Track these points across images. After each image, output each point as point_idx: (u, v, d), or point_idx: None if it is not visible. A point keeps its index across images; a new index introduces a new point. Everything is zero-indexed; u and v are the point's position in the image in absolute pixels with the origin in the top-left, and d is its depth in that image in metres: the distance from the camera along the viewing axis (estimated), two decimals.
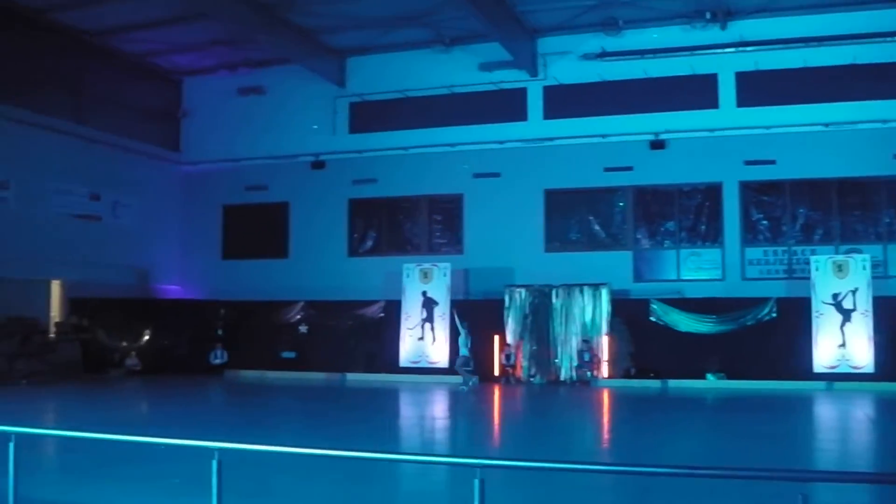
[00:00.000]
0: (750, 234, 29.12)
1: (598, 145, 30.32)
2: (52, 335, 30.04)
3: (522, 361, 29.04)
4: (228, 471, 7.52)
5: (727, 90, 29.34)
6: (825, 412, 22.23)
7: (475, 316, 29.22)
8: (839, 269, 26.68)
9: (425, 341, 29.80)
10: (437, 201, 32.55)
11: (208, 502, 7.45)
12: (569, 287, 28.80)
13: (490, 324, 28.95)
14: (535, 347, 29.01)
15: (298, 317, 31.67)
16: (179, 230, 35.47)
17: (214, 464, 7.46)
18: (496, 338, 29.09)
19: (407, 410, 23.05)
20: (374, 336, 30.73)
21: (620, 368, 28.32)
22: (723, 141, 29.15)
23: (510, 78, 31.19)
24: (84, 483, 11.08)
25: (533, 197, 30.96)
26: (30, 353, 27.82)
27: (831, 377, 26.06)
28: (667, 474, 7.05)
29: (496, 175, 31.40)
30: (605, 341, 28.29)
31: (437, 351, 29.65)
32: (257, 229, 34.55)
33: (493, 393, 26.24)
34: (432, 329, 29.82)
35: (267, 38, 30.26)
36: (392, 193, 32.72)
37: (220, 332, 32.12)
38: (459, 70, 31.52)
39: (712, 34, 28.99)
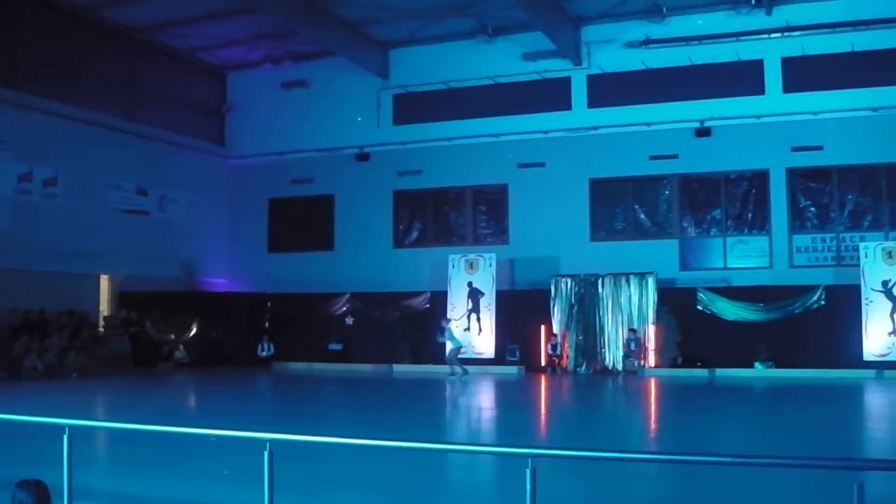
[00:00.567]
0: (797, 222, 28.86)
1: (643, 133, 30.17)
2: (101, 329, 30.38)
3: (569, 351, 28.98)
4: (279, 462, 7.56)
5: (773, 76, 29.07)
6: (876, 400, 21.98)
7: (521, 306, 29.27)
8: (889, 255, 26.37)
9: (471, 332, 29.81)
10: (481, 192, 32.54)
11: (260, 493, 7.48)
12: (615, 276, 28.68)
13: (536, 314, 28.93)
14: (581, 337, 28.92)
15: (344, 309, 31.75)
16: (226, 224, 35.73)
17: (266, 455, 7.49)
18: (542, 328, 29.06)
19: (454, 401, 23.07)
20: (421, 327, 30.75)
21: (667, 358, 28.18)
22: (769, 127, 28.90)
23: (554, 67, 31.10)
24: (136, 474, 11.17)
25: (578, 186, 30.87)
26: (80, 346, 28.10)
27: (881, 365, 25.71)
28: (721, 463, 6.99)
29: (541, 165, 31.35)
30: (651, 330, 28.16)
31: (484, 341, 29.65)
32: (303, 222, 34.72)
33: (539, 383, 26.21)
34: (478, 319, 29.82)
35: (311, 30, 30.35)
36: (437, 184, 32.76)
37: (267, 324, 32.30)
38: (503, 60, 31.47)
39: (757, 19, 28.74)
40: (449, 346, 27.65)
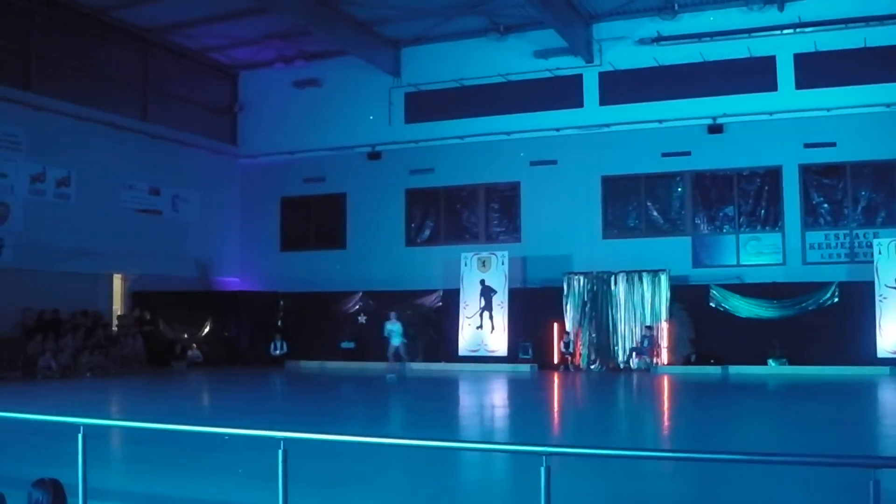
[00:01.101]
0: (810, 218, 28.79)
1: (655, 130, 30.12)
2: (114, 328, 30.48)
3: (581, 349, 28.96)
4: (293, 460, 7.58)
5: (786, 72, 29.00)
6: (890, 397, 21.92)
7: (534, 304, 29.27)
8: None
9: (484, 330, 29.82)
10: (494, 190, 32.54)
11: (275, 492, 7.50)
12: (628, 274, 28.66)
13: (548, 312, 28.96)
14: (594, 335, 28.91)
15: (357, 307, 31.79)
16: (238, 223, 35.80)
17: (280, 453, 7.51)
18: (555, 326, 29.06)
19: (468, 399, 23.07)
20: (433, 325, 30.78)
21: (680, 355, 28.14)
22: (782, 124, 28.83)
23: (566, 65, 31.08)
24: (151, 473, 11.20)
25: (590, 183, 30.85)
26: (93, 346, 28.22)
27: None
28: (736, 461, 6.98)
29: (553, 162, 31.33)
30: (664, 328, 28.13)
31: (496, 339, 29.65)
32: (315, 221, 34.80)
33: (552, 381, 26.19)
34: (491, 317, 29.83)
35: (323, 30, 30.36)
36: (449, 183, 32.77)
37: (279, 323, 32.36)
38: (514, 58, 31.46)
39: (770, 15, 28.65)
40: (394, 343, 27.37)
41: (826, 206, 28.76)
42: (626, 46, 30.45)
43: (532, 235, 31.46)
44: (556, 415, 19.63)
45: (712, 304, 27.83)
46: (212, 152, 35.11)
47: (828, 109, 28.20)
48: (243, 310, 32.47)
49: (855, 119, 27.93)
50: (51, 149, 28.21)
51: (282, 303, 32.76)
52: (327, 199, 34.59)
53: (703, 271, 29.33)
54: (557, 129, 31.23)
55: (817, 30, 28.27)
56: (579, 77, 31.30)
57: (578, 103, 31.26)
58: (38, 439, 12.21)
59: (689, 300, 28.24)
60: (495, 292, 29.86)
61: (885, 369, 25.38)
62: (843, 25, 27.90)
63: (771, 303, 27.35)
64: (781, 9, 28.37)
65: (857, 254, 27.97)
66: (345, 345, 31.44)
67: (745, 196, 29.62)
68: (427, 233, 33.33)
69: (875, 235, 27.38)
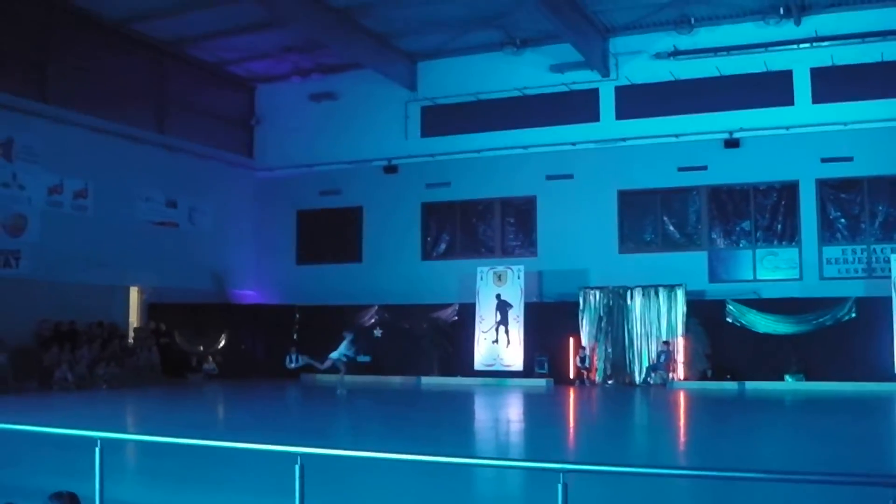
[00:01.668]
0: (828, 233, 28.67)
1: (672, 145, 30.06)
2: (130, 340, 30.55)
3: (597, 364, 28.91)
4: (309, 475, 7.56)
5: (802, 86, 28.91)
6: None
7: (550, 318, 29.24)
8: None
9: (500, 344, 29.80)
10: (510, 204, 32.51)
11: None
12: (644, 288, 28.62)
13: (564, 326, 28.95)
14: (610, 349, 28.86)
15: (373, 321, 31.81)
16: (254, 236, 35.83)
17: (297, 468, 7.49)
18: (571, 340, 29.02)
19: (484, 413, 23.03)
20: (449, 339, 30.77)
21: (697, 370, 28.04)
22: (798, 138, 28.72)
23: (582, 79, 31.06)
24: (167, 487, 11.21)
25: (606, 198, 30.80)
26: (109, 357, 28.29)
27: None
28: (754, 479, 6.91)
29: (569, 177, 31.27)
30: (681, 343, 28.06)
31: (512, 354, 29.62)
32: (331, 234, 34.79)
33: (568, 395, 26.15)
34: (507, 332, 29.81)
35: (339, 43, 30.43)
36: (465, 196, 32.75)
37: (295, 336, 32.36)
38: (531, 72, 31.46)
39: (786, 30, 28.58)
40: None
41: (843, 220, 28.63)
42: (642, 60, 30.43)
43: (548, 249, 31.40)
44: (573, 430, 19.58)
45: (729, 319, 27.72)
46: (228, 165, 35.19)
47: (844, 124, 28.08)
48: (259, 322, 32.52)
49: (872, 133, 27.80)
50: (68, 160, 28.29)
51: (297, 316, 32.75)
52: (343, 213, 34.58)
53: (719, 286, 29.21)
54: (573, 144, 31.19)
55: (834, 44, 28.17)
56: (595, 91, 31.26)
57: (595, 117, 31.22)
58: (53, 451, 12.22)
59: (705, 315, 28.15)
60: (511, 306, 29.85)
61: None
62: (859, 40, 27.82)
63: (788, 318, 27.23)
64: (798, 23, 28.30)
65: (874, 269, 27.82)
66: (361, 358, 31.39)
67: (761, 210, 29.52)
68: (443, 246, 33.30)
69: (893, 251, 27.21)
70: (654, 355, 28.17)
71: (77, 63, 28.98)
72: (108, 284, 30.04)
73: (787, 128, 28.80)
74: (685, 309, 28.08)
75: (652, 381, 27.79)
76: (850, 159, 28.15)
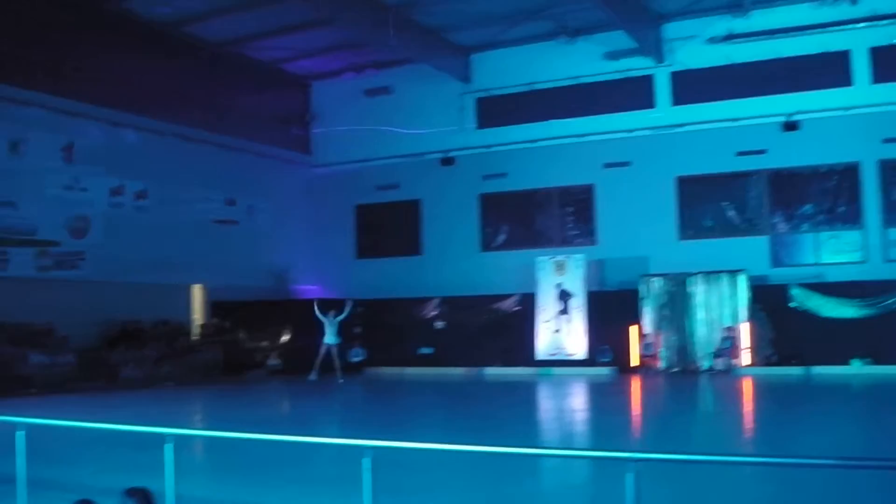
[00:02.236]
0: (892, 215, 28.26)
1: (729, 129, 29.76)
2: (195, 338, 30.88)
3: (661, 351, 28.76)
4: (376, 467, 7.56)
5: (861, 66, 28.49)
6: None
7: (611, 307, 29.15)
8: None
9: (561, 333, 29.76)
10: (568, 193, 32.39)
11: (359, 499, 7.47)
12: (706, 275, 28.43)
13: (626, 314, 28.79)
14: (673, 337, 28.71)
15: (434, 313, 31.92)
16: (314, 231, 35.98)
17: (366, 462, 7.48)
18: (634, 328, 28.90)
19: (549, 403, 23.01)
20: (511, 330, 30.75)
21: (761, 356, 27.80)
22: (859, 119, 28.29)
23: (636, 66, 30.86)
24: (237, 482, 11.32)
25: (664, 184, 30.59)
26: (174, 355, 28.64)
27: None
28: (823, 466, 6.79)
29: (626, 164, 31.11)
30: (744, 329, 27.83)
31: (575, 343, 29.58)
32: (390, 228, 34.91)
33: (633, 384, 26.06)
34: (569, 321, 29.75)
35: (393, 39, 30.48)
36: (522, 187, 32.67)
37: (357, 330, 32.48)
38: (584, 60, 31.31)
39: (842, 9, 28.18)
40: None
41: None
42: (696, 45, 30.16)
43: (608, 238, 31.27)
44: (641, 419, 19.50)
45: (793, 304, 27.45)
46: (285, 162, 35.42)
47: None
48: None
49: None
50: (128, 162, 28.72)
51: (359, 310, 32.74)
52: (402, 206, 34.66)
53: (781, 271, 28.92)
54: (630, 131, 31.02)
55: (892, 22, 27.75)
56: (650, 78, 31.06)
57: (650, 104, 31.03)
58: (123, 448, 12.38)
59: (768, 300, 27.88)
60: (572, 296, 29.77)
61: None
62: None
63: (853, 301, 26.89)
64: (854, 2, 27.90)
65: None
66: (423, 350, 31.54)
67: (822, 193, 29.14)
68: (502, 237, 33.27)
69: None
70: (717, 342, 27.96)
71: (134, 69, 29.23)
72: (172, 283, 30.45)
73: (847, 109, 28.38)
74: (748, 294, 27.84)
75: (717, 369, 27.61)
76: None
